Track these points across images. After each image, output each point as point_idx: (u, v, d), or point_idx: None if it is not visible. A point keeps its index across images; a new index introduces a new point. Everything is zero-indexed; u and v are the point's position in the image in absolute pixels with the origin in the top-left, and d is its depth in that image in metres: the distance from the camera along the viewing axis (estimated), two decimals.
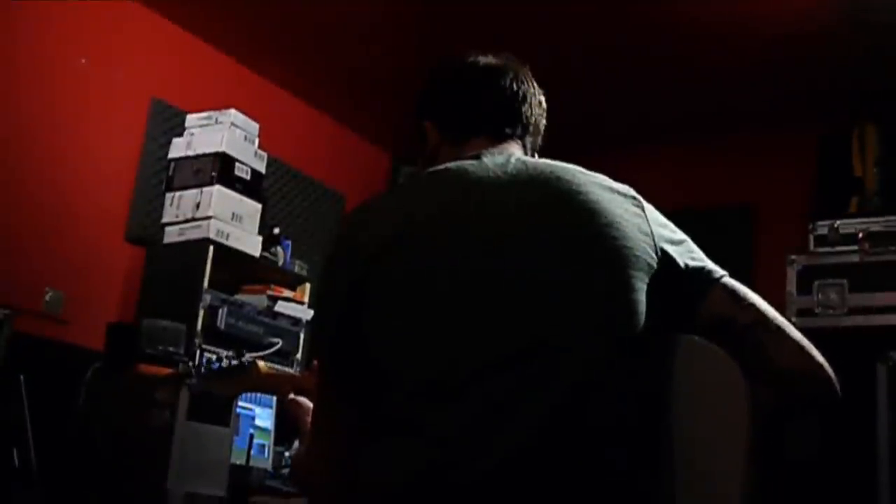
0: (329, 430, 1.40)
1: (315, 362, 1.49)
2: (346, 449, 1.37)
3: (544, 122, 1.65)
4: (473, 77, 1.63)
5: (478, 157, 1.47)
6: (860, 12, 3.72)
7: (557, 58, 4.28)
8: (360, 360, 1.35)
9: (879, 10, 3.69)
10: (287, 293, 4.27)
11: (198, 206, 3.94)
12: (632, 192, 1.46)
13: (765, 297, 1.40)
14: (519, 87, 1.60)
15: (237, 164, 4.06)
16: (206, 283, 3.79)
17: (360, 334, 1.35)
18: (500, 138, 1.55)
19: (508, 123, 1.58)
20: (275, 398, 3.88)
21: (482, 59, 1.64)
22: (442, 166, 1.47)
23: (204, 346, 3.67)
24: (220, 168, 3.98)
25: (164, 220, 4.03)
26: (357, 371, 1.36)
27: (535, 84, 1.64)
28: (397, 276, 1.34)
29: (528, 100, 1.60)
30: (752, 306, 1.37)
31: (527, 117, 1.59)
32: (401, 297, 1.34)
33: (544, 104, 1.65)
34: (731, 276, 1.42)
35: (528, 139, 1.60)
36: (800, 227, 4.06)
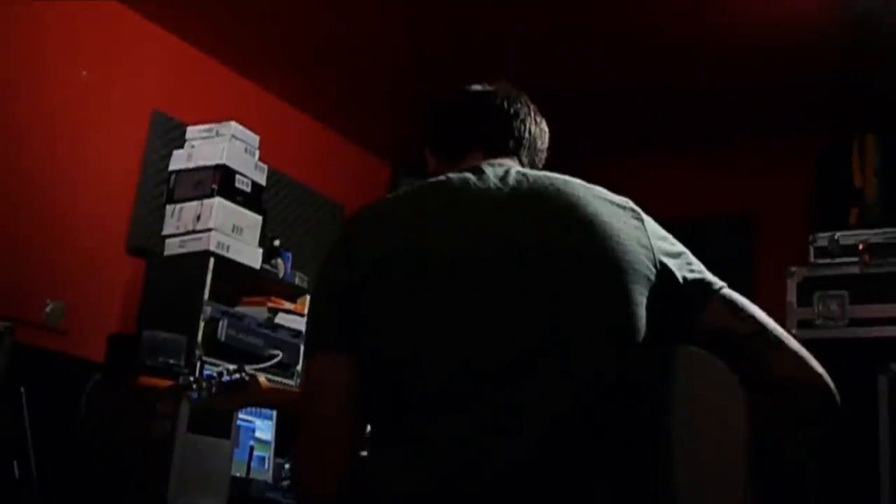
0: (322, 403, 1.36)
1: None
2: (344, 425, 1.33)
3: (543, 144, 1.65)
4: (464, 100, 1.66)
5: (478, 170, 1.48)
6: (860, 22, 3.72)
7: (558, 69, 4.29)
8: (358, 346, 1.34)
9: (879, 20, 3.70)
10: (287, 305, 4.27)
11: (198, 218, 3.94)
12: (631, 204, 1.47)
13: (765, 309, 1.40)
14: (510, 106, 1.62)
15: (237, 176, 4.07)
16: (206, 295, 3.79)
17: (356, 338, 1.35)
18: (494, 153, 1.56)
19: (501, 138, 1.59)
20: (275, 411, 3.88)
21: (474, 86, 1.67)
22: (442, 177, 1.48)
23: (204, 358, 3.67)
24: (220, 180, 3.98)
25: (165, 231, 4.03)
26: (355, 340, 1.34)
27: (532, 106, 1.66)
28: (398, 289, 1.34)
29: (521, 117, 1.62)
30: (751, 317, 1.38)
31: (520, 132, 1.60)
32: (402, 309, 1.34)
33: (544, 126, 1.66)
34: (732, 287, 1.43)
35: (524, 154, 1.60)
36: (800, 239, 4.06)
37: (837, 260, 3.84)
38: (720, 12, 3.79)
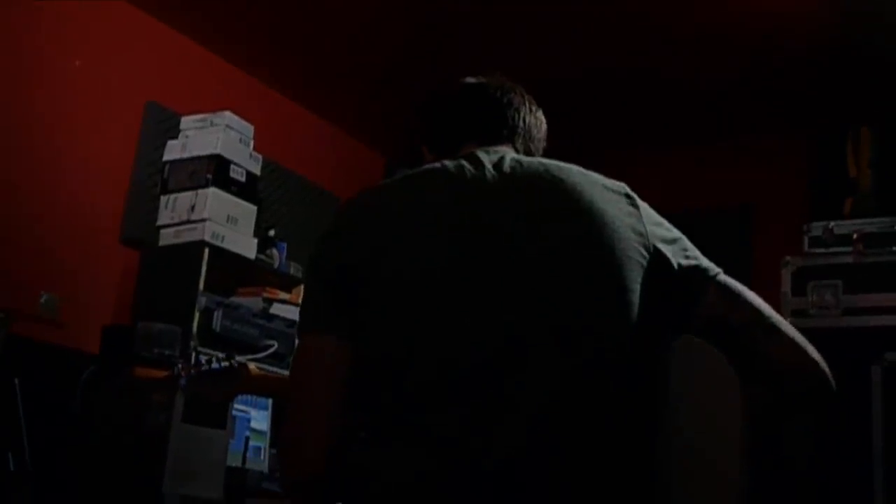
0: (311, 378, 1.37)
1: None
2: (328, 403, 1.33)
3: (540, 133, 1.65)
4: (457, 93, 1.66)
5: (472, 157, 1.47)
6: (854, 16, 3.73)
7: (557, 62, 4.29)
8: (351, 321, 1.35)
9: (873, 13, 3.70)
10: (282, 295, 4.26)
11: (193, 208, 3.93)
12: (626, 189, 1.46)
13: (761, 298, 1.40)
14: (503, 95, 1.62)
15: (232, 166, 4.05)
16: (201, 286, 3.78)
17: (347, 320, 1.35)
18: (489, 142, 1.56)
19: (495, 127, 1.58)
20: (270, 400, 3.88)
21: (467, 79, 1.67)
22: (437, 164, 1.47)
23: (199, 349, 3.67)
24: (214, 170, 3.97)
25: (160, 222, 4.01)
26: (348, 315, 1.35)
27: (527, 96, 1.65)
28: (391, 276, 1.34)
29: (515, 106, 1.61)
30: (747, 304, 1.38)
31: (513, 120, 1.60)
32: (395, 297, 1.33)
33: (540, 116, 1.65)
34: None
35: (519, 143, 1.59)
36: (796, 229, 4.07)
37: (832, 249, 3.84)
38: (718, 8, 3.80)
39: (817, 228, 3.90)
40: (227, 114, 4.09)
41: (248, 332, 3.94)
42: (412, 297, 1.33)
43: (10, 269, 3.60)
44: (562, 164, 1.46)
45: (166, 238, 3.98)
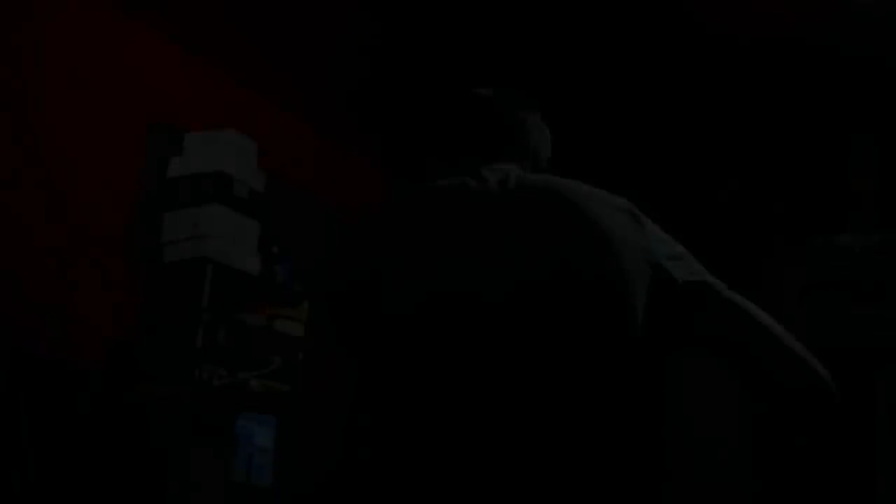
0: (322, 385, 1.39)
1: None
2: (340, 408, 1.35)
3: (546, 152, 1.65)
4: (464, 105, 1.66)
5: (477, 174, 1.47)
6: (858, 27, 3.75)
7: (559, 81, 4.32)
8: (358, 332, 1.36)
9: (876, 24, 3.72)
10: (287, 311, 4.27)
11: (196, 225, 3.94)
12: (629, 205, 1.46)
13: (765, 313, 1.41)
14: (511, 112, 1.62)
15: (236, 182, 4.06)
16: (205, 302, 3.79)
17: (352, 334, 1.36)
18: (493, 158, 1.56)
19: (500, 143, 1.59)
20: (274, 416, 3.88)
21: (475, 91, 1.68)
22: (442, 182, 1.48)
23: (203, 365, 3.67)
24: (218, 187, 3.98)
25: (164, 239, 4.03)
26: (355, 326, 1.36)
27: (536, 113, 1.65)
28: (395, 294, 1.34)
29: (521, 124, 1.62)
30: (751, 319, 1.38)
31: (520, 138, 1.60)
32: (394, 314, 1.34)
33: (546, 133, 1.66)
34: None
35: (525, 160, 1.59)
36: (799, 243, 4.08)
37: (834, 263, 3.85)
38: (720, 19, 3.82)
39: (820, 242, 3.90)
40: (231, 131, 4.11)
41: (252, 349, 3.94)
42: (410, 316, 1.33)
43: (14, 287, 3.60)
44: (567, 182, 1.45)
45: (170, 254, 3.98)
